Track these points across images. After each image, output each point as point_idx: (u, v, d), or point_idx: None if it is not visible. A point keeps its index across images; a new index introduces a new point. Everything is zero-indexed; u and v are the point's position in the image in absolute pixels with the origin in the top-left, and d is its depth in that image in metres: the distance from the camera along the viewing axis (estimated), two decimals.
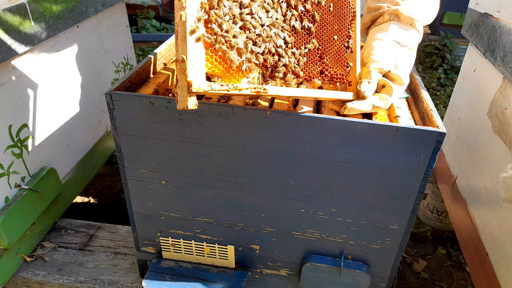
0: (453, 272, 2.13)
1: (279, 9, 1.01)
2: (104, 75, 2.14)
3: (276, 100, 1.23)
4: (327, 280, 1.30)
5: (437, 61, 4.80)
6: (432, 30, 4.91)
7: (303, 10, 1.05)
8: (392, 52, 1.11)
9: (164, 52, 1.44)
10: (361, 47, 1.20)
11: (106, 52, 2.13)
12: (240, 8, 0.93)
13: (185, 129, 1.12)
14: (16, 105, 1.48)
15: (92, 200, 2.54)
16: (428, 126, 1.05)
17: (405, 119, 1.14)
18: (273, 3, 1.00)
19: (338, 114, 1.13)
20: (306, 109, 1.17)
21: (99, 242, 1.73)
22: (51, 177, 1.65)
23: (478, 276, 1.54)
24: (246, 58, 0.92)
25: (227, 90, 0.85)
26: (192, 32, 0.82)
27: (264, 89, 0.91)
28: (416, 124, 1.12)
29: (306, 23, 1.05)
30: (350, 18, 1.13)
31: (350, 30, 1.14)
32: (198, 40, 0.83)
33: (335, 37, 1.11)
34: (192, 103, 0.80)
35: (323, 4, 1.09)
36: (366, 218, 1.19)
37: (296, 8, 1.04)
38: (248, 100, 1.21)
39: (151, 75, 1.33)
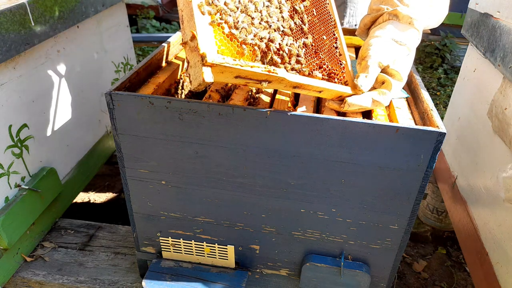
0: (453, 272, 2.13)
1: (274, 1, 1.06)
2: (104, 75, 2.14)
3: (277, 96, 1.23)
4: (327, 280, 1.30)
5: (437, 61, 4.80)
6: (432, 30, 4.92)
7: (291, 9, 1.09)
8: (390, 49, 1.12)
9: (165, 51, 1.44)
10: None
11: (106, 52, 2.13)
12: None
13: (185, 129, 1.12)
14: (16, 105, 1.48)
15: (92, 200, 2.54)
16: (428, 126, 1.05)
17: (405, 119, 1.14)
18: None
19: (338, 114, 1.13)
20: (306, 109, 1.17)
21: (99, 242, 1.73)
22: (51, 177, 1.65)
23: (478, 276, 1.54)
24: (251, 39, 0.92)
25: (240, 66, 0.84)
26: (199, 10, 0.83)
27: (273, 69, 0.92)
28: (416, 124, 1.12)
29: (297, 20, 1.09)
30: (333, 23, 1.19)
31: (335, 33, 1.19)
32: (205, 19, 0.84)
33: (324, 37, 1.15)
34: (208, 74, 0.79)
35: (307, 6, 1.14)
36: (366, 218, 1.19)
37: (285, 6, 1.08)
38: (250, 99, 1.21)
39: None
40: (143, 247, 1.43)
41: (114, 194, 2.58)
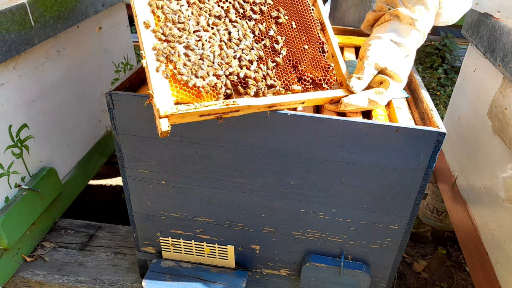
0: (453, 272, 2.13)
1: (238, 32, 1.08)
2: (104, 75, 2.14)
3: None
4: (327, 280, 1.30)
5: (437, 61, 4.80)
6: (432, 30, 4.91)
7: (261, 32, 1.12)
8: (389, 50, 1.12)
9: None
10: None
11: (106, 52, 2.13)
12: (198, 47, 1.02)
13: (185, 129, 1.12)
14: (16, 105, 1.48)
15: (92, 200, 2.54)
16: (428, 126, 1.05)
17: (405, 119, 1.14)
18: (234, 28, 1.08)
19: (338, 114, 1.13)
20: (306, 110, 1.17)
21: (99, 242, 1.73)
22: (51, 177, 1.65)
23: (478, 276, 1.54)
24: (209, 81, 0.99)
25: (195, 108, 0.93)
26: (155, 72, 0.96)
27: (233, 101, 0.97)
28: (416, 124, 1.12)
29: (268, 42, 1.11)
30: (319, 28, 1.19)
31: (321, 38, 1.18)
32: (161, 77, 0.96)
33: (306, 46, 1.15)
34: (164, 125, 0.91)
35: (284, 23, 1.15)
36: (366, 218, 1.19)
37: (253, 32, 1.10)
38: None
39: None
40: (143, 247, 1.43)
41: (114, 194, 2.58)
